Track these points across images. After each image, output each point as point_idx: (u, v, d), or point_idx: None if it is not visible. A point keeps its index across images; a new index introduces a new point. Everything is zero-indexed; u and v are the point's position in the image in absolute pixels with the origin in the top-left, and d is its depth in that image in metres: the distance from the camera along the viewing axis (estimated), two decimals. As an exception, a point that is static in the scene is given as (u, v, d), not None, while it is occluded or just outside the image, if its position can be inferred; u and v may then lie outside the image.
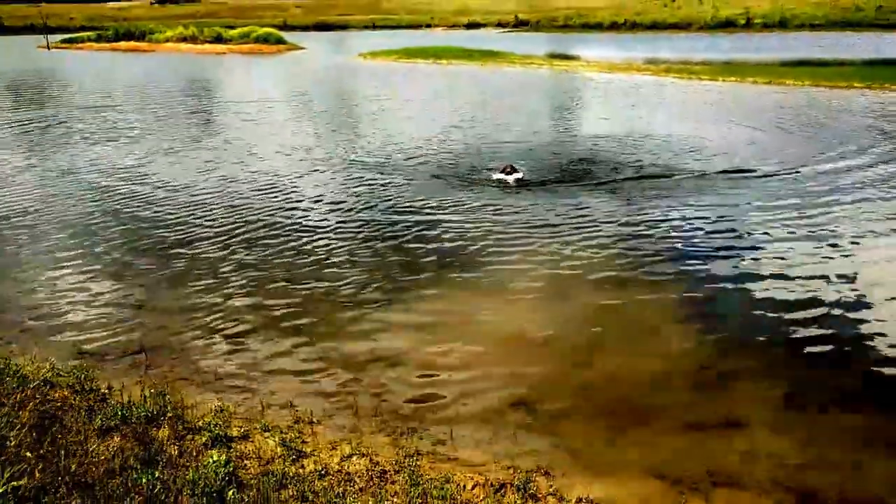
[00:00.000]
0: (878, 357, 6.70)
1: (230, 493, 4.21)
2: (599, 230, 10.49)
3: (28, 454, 3.68)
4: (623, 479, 4.95)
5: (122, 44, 73.08)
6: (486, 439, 5.47)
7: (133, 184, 14.41)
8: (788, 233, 10.23)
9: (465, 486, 4.73)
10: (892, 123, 19.65)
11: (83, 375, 5.95)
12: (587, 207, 11.73)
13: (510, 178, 13.14)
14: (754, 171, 14.22)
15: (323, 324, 7.59)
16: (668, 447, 5.35)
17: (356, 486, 4.63)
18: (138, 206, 12.60)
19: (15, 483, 2.43)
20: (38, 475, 3.15)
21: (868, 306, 7.77)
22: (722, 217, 11.07)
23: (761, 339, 7.10)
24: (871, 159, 15.27)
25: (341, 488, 4.54)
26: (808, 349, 6.87)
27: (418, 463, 5.00)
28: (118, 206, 12.63)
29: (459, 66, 45.05)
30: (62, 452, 3.97)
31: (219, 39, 69.40)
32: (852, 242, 9.78)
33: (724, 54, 48.75)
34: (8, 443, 3.75)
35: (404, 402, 6.01)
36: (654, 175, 14.05)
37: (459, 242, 10.06)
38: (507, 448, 5.34)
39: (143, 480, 3.97)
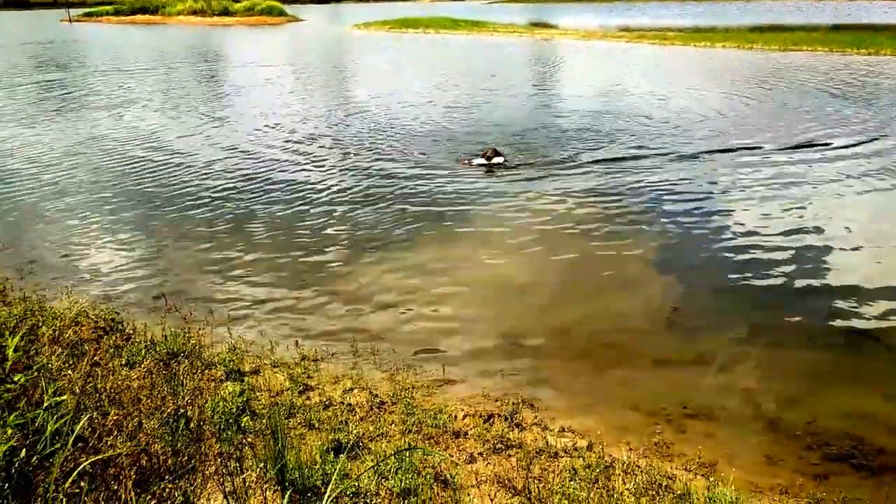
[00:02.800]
0: (839, 300, 6.66)
1: (245, 419, 4.22)
2: (580, 192, 10.37)
3: (70, 373, 3.67)
4: (602, 411, 4.94)
5: (138, 17, 71.34)
6: (474, 375, 5.46)
7: (153, 145, 14.19)
8: (755, 194, 10.08)
9: (456, 416, 4.74)
10: (851, 86, 19.42)
11: (110, 317, 5.92)
12: (569, 172, 11.60)
13: (492, 162, 11.49)
14: (725, 138, 14.02)
15: (325, 272, 7.54)
16: (643, 382, 5.34)
17: (357, 416, 4.64)
18: (157, 166, 12.41)
19: (58, 399, 2.43)
20: (78, 392, 3.15)
21: (828, 256, 7.72)
22: (694, 179, 10.94)
23: (729, 284, 7.07)
24: (831, 124, 15.13)
25: (344, 417, 4.55)
26: (773, 293, 6.84)
27: (413, 396, 4.98)
28: (139, 166, 12.45)
29: (446, 35, 44.14)
30: (98, 375, 3.95)
31: (226, 12, 67.80)
32: (814, 201, 9.66)
33: (695, 20, 47.81)
34: (49, 365, 3.72)
35: (400, 342, 5.98)
36: (629, 141, 13.85)
37: (448, 202, 9.92)
38: (495, 383, 5.32)
39: (170, 401, 3.93)
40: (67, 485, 1.88)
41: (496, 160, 11.44)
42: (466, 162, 11.75)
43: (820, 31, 35.94)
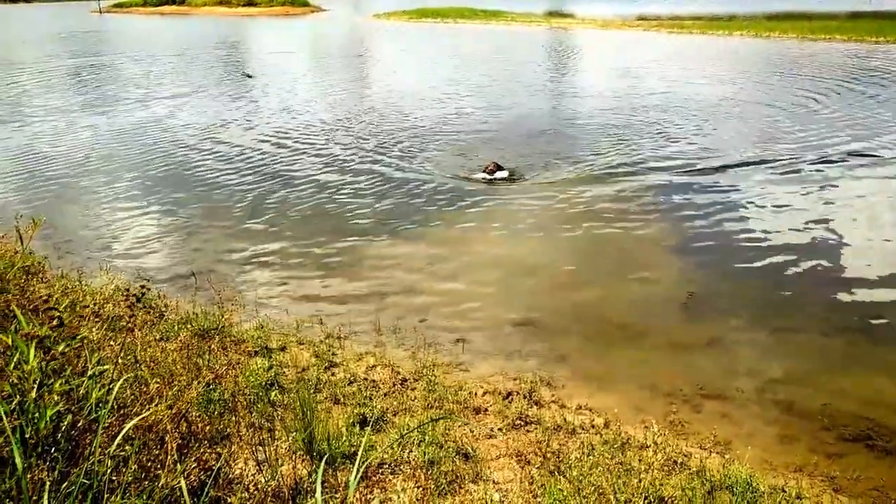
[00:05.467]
0: (855, 285, 6.54)
1: (274, 393, 4.27)
2: (594, 178, 10.30)
3: (112, 343, 3.74)
4: (618, 390, 4.91)
5: (165, 8, 71.70)
6: (493, 354, 5.46)
7: (185, 132, 14.32)
8: (768, 180, 9.94)
9: (476, 394, 4.75)
10: (866, 76, 18.96)
11: (144, 294, 5.97)
12: (586, 174, 11.49)
13: (494, 177, 10.16)
14: (743, 134, 13.78)
15: (347, 254, 7.57)
16: (659, 363, 5.29)
17: (381, 392, 4.67)
18: (188, 152, 12.54)
19: (100, 367, 2.49)
20: (120, 363, 3.22)
21: (844, 244, 7.59)
22: (706, 166, 10.79)
23: (745, 270, 6.98)
24: (843, 115, 14.81)
25: (368, 393, 4.58)
26: (789, 279, 6.74)
27: (435, 373, 4.99)
28: (170, 152, 12.58)
29: (465, 25, 43.78)
30: (137, 347, 4.01)
31: (250, 3, 67.79)
32: (828, 188, 9.49)
33: (713, 7, 46.85)
34: (91, 336, 3.78)
35: (420, 322, 6.00)
36: (648, 141, 13.66)
37: (466, 191, 9.89)
38: (513, 362, 5.32)
39: (205, 372, 3.97)
40: (113, 448, 1.93)
41: (499, 174, 10.21)
42: (466, 177, 10.42)
43: (838, 18, 35.00)
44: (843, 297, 6.35)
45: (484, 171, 10.28)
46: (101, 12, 72.02)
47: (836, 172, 10.10)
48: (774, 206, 8.72)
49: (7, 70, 25.72)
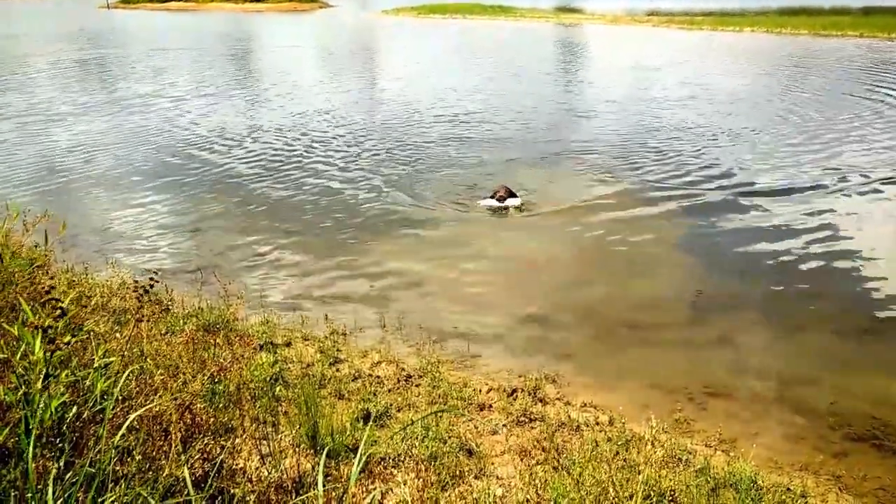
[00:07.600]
0: (863, 286, 6.51)
1: (278, 388, 4.30)
2: (604, 171, 10.26)
3: (117, 336, 3.78)
4: (623, 388, 4.91)
5: (173, 4, 71.81)
6: (498, 352, 5.47)
7: (191, 128, 14.38)
8: (776, 180, 9.88)
9: (481, 390, 4.76)
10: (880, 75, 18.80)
11: (151, 286, 6.01)
12: (592, 161, 11.46)
13: (505, 205, 8.77)
14: (753, 126, 13.72)
15: (353, 251, 7.59)
16: (664, 362, 5.29)
17: (385, 388, 4.69)
18: (195, 148, 12.59)
19: (106, 360, 2.53)
20: (127, 354, 3.25)
21: (853, 244, 7.54)
22: (716, 165, 10.74)
23: (754, 269, 6.96)
24: (855, 115, 14.70)
25: (373, 388, 4.60)
26: (798, 280, 6.71)
27: (439, 370, 4.99)
28: (177, 148, 12.64)
29: (473, 21, 43.71)
30: (142, 340, 4.05)
31: (258, -2, 67.87)
32: (836, 190, 9.43)
33: (722, 2, 46.55)
34: (97, 329, 3.82)
35: (426, 319, 6.01)
36: (661, 132, 13.63)
37: (472, 194, 9.89)
38: (518, 360, 5.32)
39: (210, 365, 4.00)
40: (117, 439, 1.95)
41: (510, 202, 8.79)
42: (472, 201, 9.16)
43: (850, 14, 34.69)
44: (852, 296, 6.32)
45: (492, 198, 8.86)
46: (108, 7, 72.37)
47: (860, 181, 9.94)
48: (787, 209, 8.66)
49: (30, 65, 25.88)
